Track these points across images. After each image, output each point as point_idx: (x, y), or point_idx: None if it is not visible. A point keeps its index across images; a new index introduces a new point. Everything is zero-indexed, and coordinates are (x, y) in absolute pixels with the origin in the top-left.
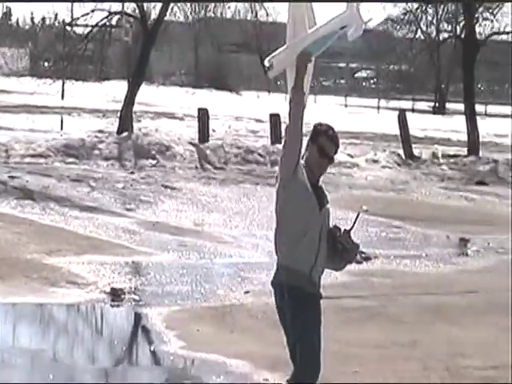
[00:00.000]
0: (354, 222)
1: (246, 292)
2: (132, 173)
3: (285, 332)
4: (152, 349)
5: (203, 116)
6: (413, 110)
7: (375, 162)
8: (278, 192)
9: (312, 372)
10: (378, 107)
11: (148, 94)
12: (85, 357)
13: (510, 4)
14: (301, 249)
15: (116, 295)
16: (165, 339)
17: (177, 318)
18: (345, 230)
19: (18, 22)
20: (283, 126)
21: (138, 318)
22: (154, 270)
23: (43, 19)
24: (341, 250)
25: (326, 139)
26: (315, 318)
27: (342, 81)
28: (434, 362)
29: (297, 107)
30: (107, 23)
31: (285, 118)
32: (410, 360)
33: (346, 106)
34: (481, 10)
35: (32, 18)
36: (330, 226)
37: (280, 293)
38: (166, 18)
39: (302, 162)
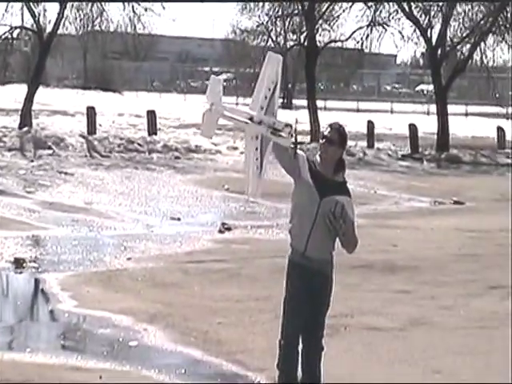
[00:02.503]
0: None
1: (128, 259)
2: (32, 161)
3: None
4: (50, 308)
5: (91, 113)
6: None
7: (235, 148)
8: None
9: (284, 340)
10: (237, 103)
11: (44, 95)
12: None
13: (343, 16)
14: (297, 229)
15: (19, 264)
16: (60, 299)
17: (70, 282)
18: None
19: None
20: (158, 120)
21: (37, 282)
22: (50, 242)
23: None
24: (332, 226)
25: (327, 128)
26: (301, 288)
27: (207, 82)
28: None
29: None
30: (9, 36)
31: (160, 114)
32: (264, 311)
33: None
34: (320, 22)
35: None
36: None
37: (286, 267)
38: (58, 32)
39: (313, 158)
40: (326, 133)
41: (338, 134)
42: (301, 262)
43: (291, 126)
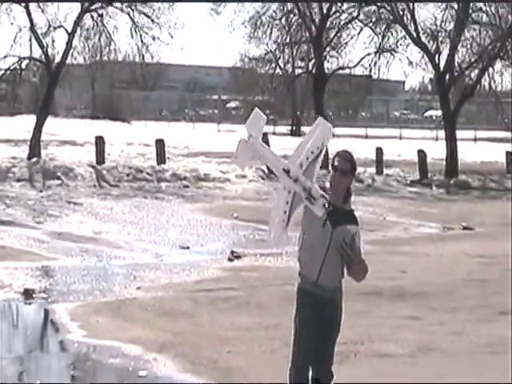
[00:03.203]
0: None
1: (138, 288)
2: (41, 191)
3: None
4: (59, 338)
5: (100, 142)
6: (274, 133)
7: (243, 177)
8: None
9: (295, 368)
10: None
11: (53, 125)
12: (2, 347)
13: (351, 43)
14: (308, 258)
15: (28, 294)
16: (70, 330)
17: (80, 312)
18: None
19: None
20: (167, 149)
21: (47, 313)
22: (60, 273)
23: None
24: (347, 255)
25: (337, 157)
26: (312, 317)
27: (216, 110)
28: None
29: None
30: (18, 67)
31: (168, 142)
32: (273, 339)
33: (219, 131)
34: (328, 49)
35: None
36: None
37: (296, 295)
38: (67, 62)
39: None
40: (336, 163)
41: (350, 164)
42: (313, 291)
43: (327, 199)
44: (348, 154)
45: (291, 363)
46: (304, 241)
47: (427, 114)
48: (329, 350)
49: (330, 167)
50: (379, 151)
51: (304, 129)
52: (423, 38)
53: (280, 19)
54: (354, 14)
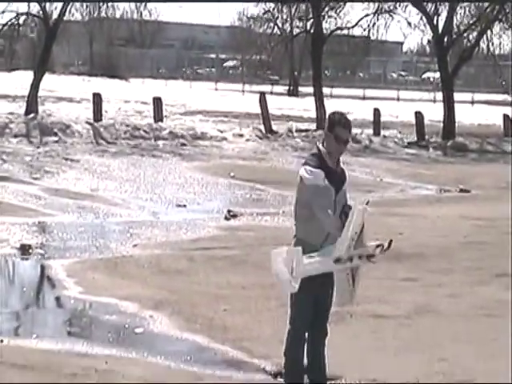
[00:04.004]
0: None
1: (134, 245)
2: (38, 148)
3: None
4: (56, 294)
5: (97, 99)
6: (271, 93)
7: (241, 136)
8: (300, 182)
9: (293, 331)
10: (243, 91)
11: (50, 81)
12: None
13: (349, 3)
14: (315, 225)
15: (25, 250)
16: (66, 286)
17: (76, 268)
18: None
19: None
20: (164, 107)
21: (43, 268)
22: (56, 229)
23: None
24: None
25: (340, 128)
26: (317, 280)
27: (213, 69)
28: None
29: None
30: (15, 22)
31: (166, 100)
32: (269, 299)
33: (216, 89)
34: (326, 9)
35: None
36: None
37: None
38: (65, 18)
39: (321, 148)
40: (340, 134)
41: (350, 132)
42: None
43: (383, 246)
44: (347, 120)
45: (289, 323)
46: (306, 211)
47: (425, 75)
48: (328, 310)
49: (326, 130)
50: (376, 112)
51: (301, 89)
52: None
53: None
54: None
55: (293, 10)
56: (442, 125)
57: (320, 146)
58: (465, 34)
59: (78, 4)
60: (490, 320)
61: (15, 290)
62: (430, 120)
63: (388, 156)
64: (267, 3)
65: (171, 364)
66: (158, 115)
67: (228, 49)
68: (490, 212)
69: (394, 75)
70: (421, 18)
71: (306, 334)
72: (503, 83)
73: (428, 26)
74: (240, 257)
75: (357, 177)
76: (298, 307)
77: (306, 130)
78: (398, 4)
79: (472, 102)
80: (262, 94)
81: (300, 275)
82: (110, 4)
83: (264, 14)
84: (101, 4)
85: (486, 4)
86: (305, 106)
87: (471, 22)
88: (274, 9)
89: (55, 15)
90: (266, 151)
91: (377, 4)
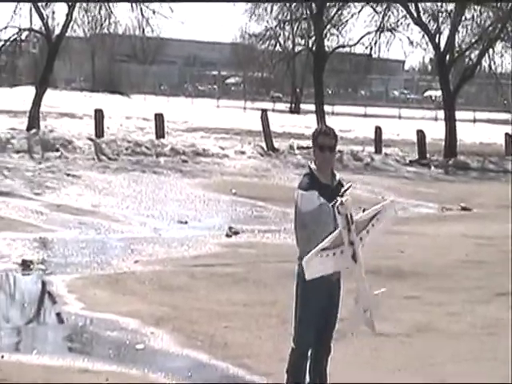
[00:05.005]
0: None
1: (136, 261)
2: (40, 163)
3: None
4: (57, 310)
5: (99, 115)
6: (273, 110)
7: (242, 153)
8: (296, 201)
9: (300, 350)
10: (245, 108)
11: (52, 97)
12: (0, 317)
13: (351, 21)
14: (317, 243)
15: (26, 266)
16: (67, 302)
17: (77, 284)
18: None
19: None
20: (166, 124)
21: (44, 284)
22: (58, 245)
23: None
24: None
25: (322, 136)
26: (324, 300)
27: (215, 86)
28: (291, 317)
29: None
30: (17, 38)
31: (167, 117)
32: (270, 316)
33: (218, 106)
34: (328, 27)
35: None
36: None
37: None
38: (67, 34)
39: (312, 166)
40: (323, 141)
41: (335, 139)
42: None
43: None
44: (329, 128)
45: (293, 341)
46: (306, 232)
47: (427, 93)
48: (332, 329)
49: (312, 145)
50: (378, 130)
51: (303, 106)
52: (424, 18)
53: None
54: None
55: (295, 28)
56: (443, 143)
57: (311, 165)
58: (466, 53)
59: (80, 20)
60: (490, 339)
61: (16, 305)
62: (431, 138)
63: (389, 174)
64: (269, 21)
65: (171, 381)
66: (160, 132)
67: (230, 66)
68: (490, 230)
69: (396, 93)
70: (423, 37)
71: (309, 352)
72: (505, 102)
73: (430, 44)
74: (241, 274)
75: (358, 195)
76: (305, 327)
77: (308, 148)
78: (399, 22)
79: (474, 121)
80: (264, 111)
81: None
82: (112, 20)
83: (266, 31)
84: (103, 19)
85: (488, 23)
86: (306, 123)
87: (473, 40)
88: (276, 26)
89: (57, 31)
90: (267, 168)
91: (379, 22)
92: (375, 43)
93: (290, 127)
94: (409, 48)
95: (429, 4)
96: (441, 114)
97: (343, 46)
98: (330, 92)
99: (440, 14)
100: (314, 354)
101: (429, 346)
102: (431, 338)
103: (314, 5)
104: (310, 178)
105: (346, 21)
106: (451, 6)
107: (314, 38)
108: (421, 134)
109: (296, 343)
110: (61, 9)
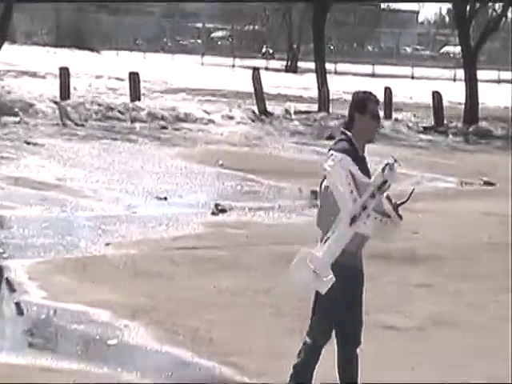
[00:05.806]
0: (408, 197)
1: (107, 244)
2: None
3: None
4: (16, 300)
5: (64, 74)
6: (266, 69)
7: (230, 118)
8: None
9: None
10: (233, 65)
11: (11, 53)
12: None
13: None
14: None
15: None
16: (28, 290)
17: (39, 270)
18: (395, 202)
19: None
20: (142, 84)
21: (1, 270)
22: (17, 224)
23: None
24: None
25: (373, 104)
26: (354, 295)
27: (199, 40)
28: (286, 308)
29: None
30: None
31: (144, 76)
32: (263, 307)
33: (202, 64)
34: None
35: None
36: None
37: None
38: None
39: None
40: (375, 110)
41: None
42: (352, 264)
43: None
44: (370, 93)
45: (310, 335)
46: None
47: (444, 50)
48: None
49: (353, 111)
50: (388, 92)
51: (301, 64)
52: None
53: None
54: None
55: None
56: (463, 107)
57: (345, 131)
58: (490, 3)
59: None
60: None
61: None
62: (449, 101)
63: (401, 143)
64: None
65: (149, 381)
66: (135, 93)
67: (216, 17)
68: None
69: (408, 49)
70: None
71: (336, 346)
72: None
73: None
74: (229, 258)
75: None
76: (328, 316)
77: (307, 112)
78: None
79: (498, 81)
80: (256, 70)
81: (323, 267)
82: None
83: None
84: None
85: None
86: (305, 83)
87: None
88: None
89: None
90: (259, 136)
91: None
92: None
93: (286, 88)
94: None
95: None
96: (460, 73)
97: None
98: (331, 48)
99: None
100: (341, 347)
101: (444, 341)
102: (447, 332)
103: None
104: (347, 144)
105: None
106: None
107: None
108: (437, 97)
109: (315, 337)
110: None
